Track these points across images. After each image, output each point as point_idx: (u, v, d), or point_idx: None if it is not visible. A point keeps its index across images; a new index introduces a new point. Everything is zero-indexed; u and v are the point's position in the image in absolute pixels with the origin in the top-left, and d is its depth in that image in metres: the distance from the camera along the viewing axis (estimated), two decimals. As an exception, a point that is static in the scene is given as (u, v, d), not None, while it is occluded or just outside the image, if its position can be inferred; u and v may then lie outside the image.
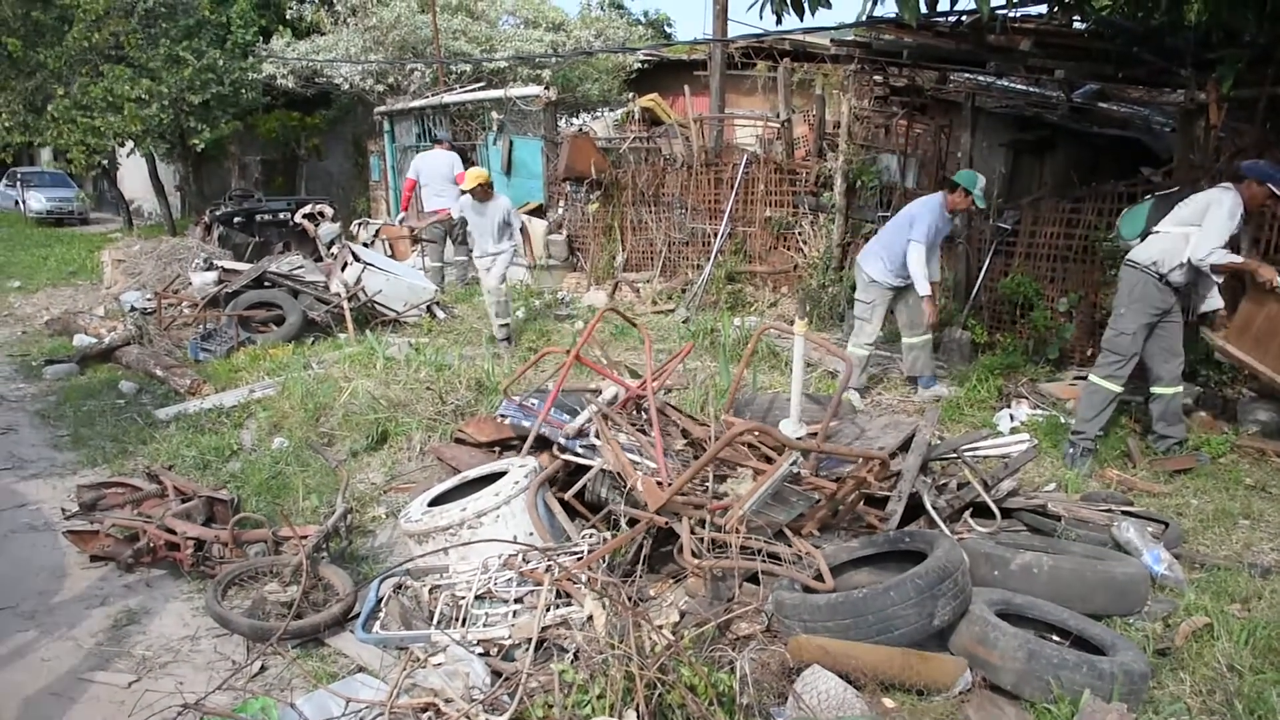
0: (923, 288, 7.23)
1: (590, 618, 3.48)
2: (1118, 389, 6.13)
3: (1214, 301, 6.09)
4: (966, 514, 4.87)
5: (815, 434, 4.93)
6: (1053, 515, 4.86)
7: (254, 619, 4.38)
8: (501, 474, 4.90)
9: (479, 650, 3.78)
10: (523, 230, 10.41)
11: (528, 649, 3.45)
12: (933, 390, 7.59)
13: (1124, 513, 4.91)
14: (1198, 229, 5.76)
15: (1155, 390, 6.23)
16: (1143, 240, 6.11)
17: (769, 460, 4.69)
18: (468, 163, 14.35)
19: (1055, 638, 3.79)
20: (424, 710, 3.26)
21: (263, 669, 4.18)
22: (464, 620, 4.00)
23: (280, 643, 4.19)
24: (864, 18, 6.59)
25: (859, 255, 7.85)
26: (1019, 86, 11.21)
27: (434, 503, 4.93)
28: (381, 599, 4.37)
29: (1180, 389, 6.21)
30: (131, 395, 8.56)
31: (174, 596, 4.93)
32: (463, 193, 9.68)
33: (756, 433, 4.48)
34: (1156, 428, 6.27)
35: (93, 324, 10.71)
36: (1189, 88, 7.47)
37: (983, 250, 9.06)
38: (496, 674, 3.57)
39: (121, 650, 4.41)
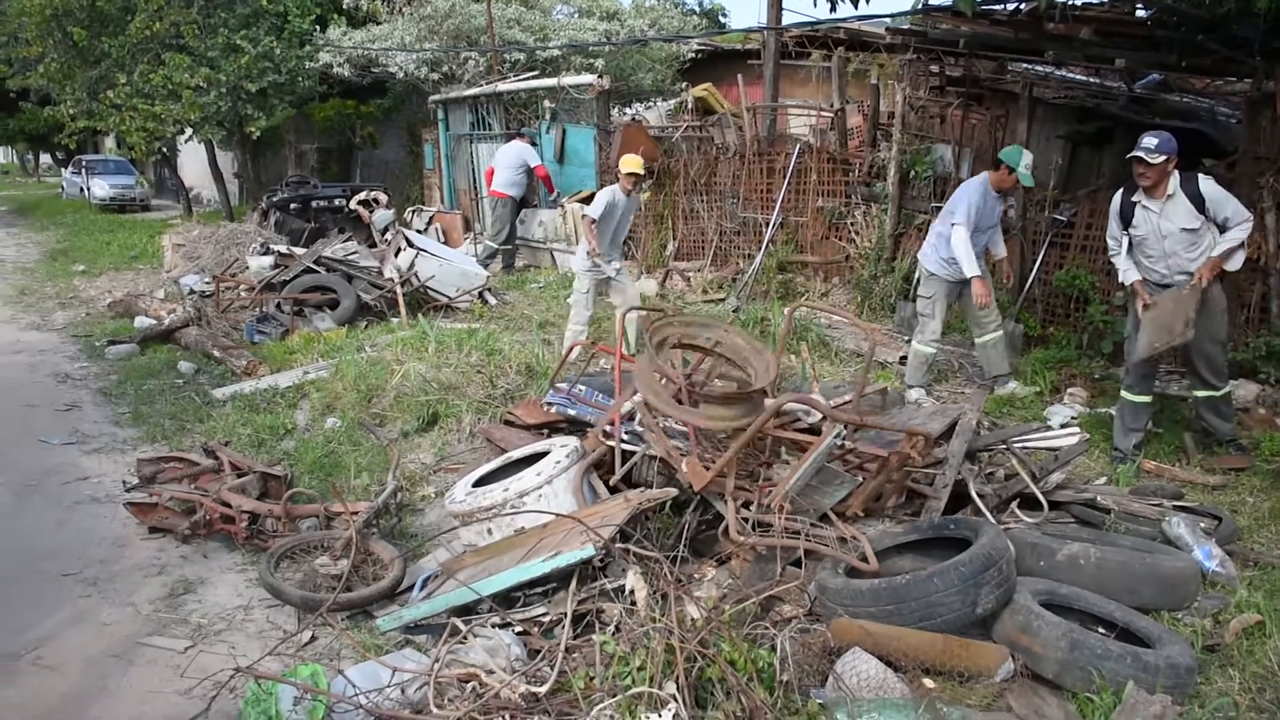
0: (969, 268, 6.90)
1: (632, 592, 3.51)
2: (1141, 399, 6.00)
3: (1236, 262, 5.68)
4: (1014, 504, 4.83)
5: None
6: (1102, 508, 4.80)
7: (305, 591, 4.48)
8: (544, 454, 4.94)
9: (518, 629, 3.83)
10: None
11: (564, 623, 3.50)
12: (1008, 389, 7.40)
13: (1175, 507, 4.84)
14: None
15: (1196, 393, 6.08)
16: None
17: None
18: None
19: (1101, 630, 3.76)
20: (466, 681, 3.31)
21: (313, 639, 4.28)
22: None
23: (330, 614, 4.27)
24: (920, 5, 6.54)
25: (920, 250, 7.70)
26: (1078, 77, 11.06)
27: (478, 484, 4.98)
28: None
29: (1226, 389, 5.97)
30: (190, 375, 8.76)
31: (228, 568, 5.07)
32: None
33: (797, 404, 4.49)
34: (1205, 414, 6.05)
35: (153, 306, 10.95)
36: (1256, 77, 7.30)
37: (1038, 242, 8.94)
38: (536, 652, 3.62)
39: (178, 617, 4.54)
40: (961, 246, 6.91)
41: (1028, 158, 6.98)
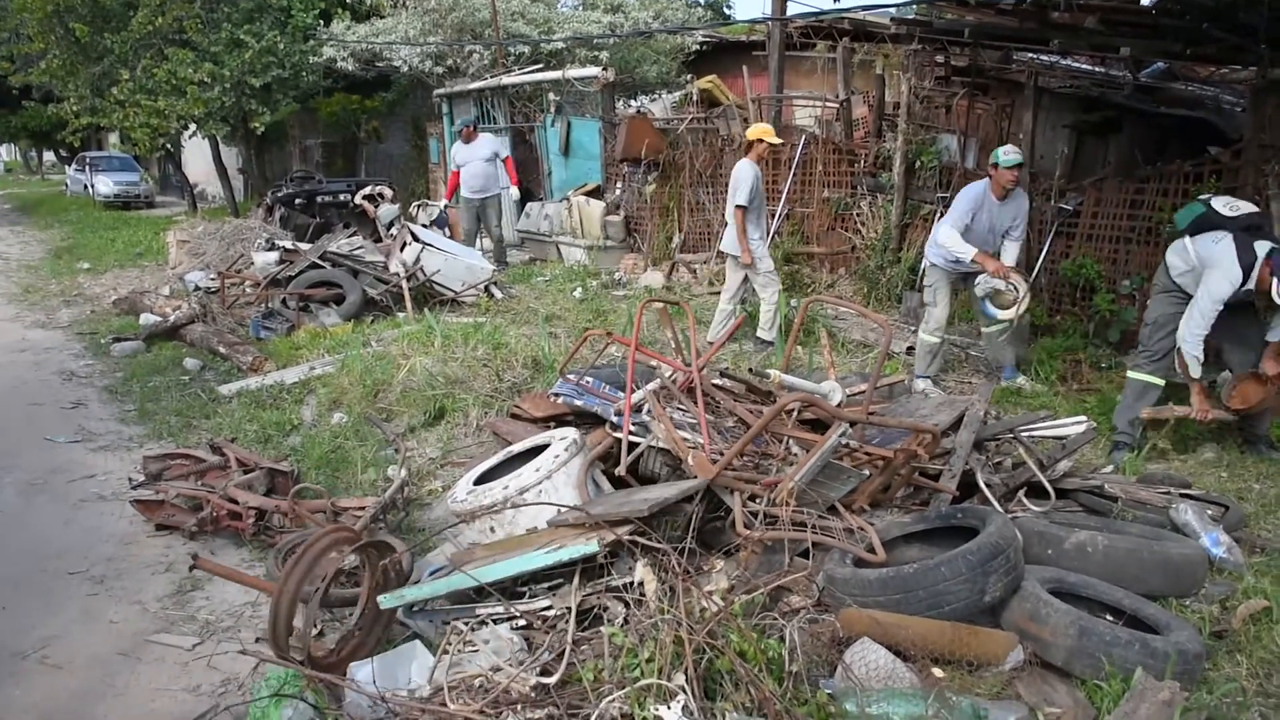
0: (963, 253, 6.87)
1: (640, 583, 3.51)
2: (1147, 379, 6.01)
3: None
4: (1021, 493, 4.82)
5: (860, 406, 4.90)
6: (1109, 496, 4.79)
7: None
8: (545, 446, 4.89)
9: (523, 623, 3.82)
10: None
11: (569, 616, 3.50)
12: (1016, 382, 7.42)
13: (1183, 495, 4.84)
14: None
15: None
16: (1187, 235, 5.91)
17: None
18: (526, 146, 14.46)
19: (1109, 617, 3.75)
20: (475, 679, 3.31)
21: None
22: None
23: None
24: (923, -5, 6.53)
25: (925, 242, 7.68)
26: (1084, 66, 11.02)
27: (480, 480, 4.92)
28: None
29: None
30: (195, 372, 8.76)
31: (236, 564, 5.04)
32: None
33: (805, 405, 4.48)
34: None
35: (158, 303, 10.95)
36: (1261, 64, 7.27)
37: (1043, 232, 8.91)
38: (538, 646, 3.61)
39: (185, 614, 4.56)
40: (948, 239, 6.94)
41: (1007, 149, 6.94)
